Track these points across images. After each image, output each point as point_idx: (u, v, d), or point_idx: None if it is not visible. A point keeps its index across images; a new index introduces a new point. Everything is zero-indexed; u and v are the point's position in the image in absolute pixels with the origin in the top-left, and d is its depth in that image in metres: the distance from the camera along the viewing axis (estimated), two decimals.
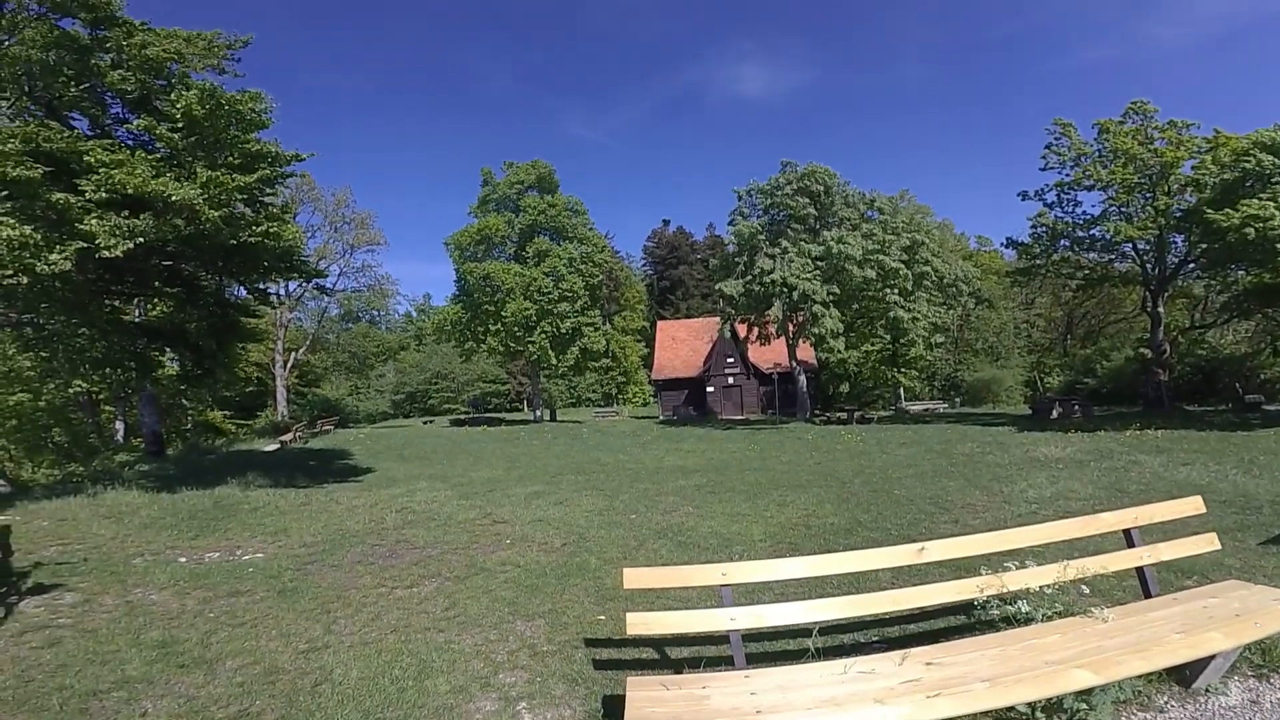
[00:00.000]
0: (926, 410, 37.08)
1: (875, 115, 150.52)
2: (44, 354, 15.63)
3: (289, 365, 42.65)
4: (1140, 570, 4.09)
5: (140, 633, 5.09)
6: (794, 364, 33.65)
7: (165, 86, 12.31)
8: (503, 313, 35.91)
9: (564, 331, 36.97)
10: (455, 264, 37.92)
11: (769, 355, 38.62)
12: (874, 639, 4.51)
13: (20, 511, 9.32)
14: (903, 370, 43.19)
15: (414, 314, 69.59)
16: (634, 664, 4.42)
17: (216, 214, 10.67)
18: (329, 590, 6.19)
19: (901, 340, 35.44)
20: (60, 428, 29.95)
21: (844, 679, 3.12)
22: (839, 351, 30.69)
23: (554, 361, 37.44)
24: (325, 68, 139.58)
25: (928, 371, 50.69)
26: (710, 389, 43.36)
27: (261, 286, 15.86)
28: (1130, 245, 26.17)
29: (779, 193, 31.32)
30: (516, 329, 36.06)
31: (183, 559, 7.36)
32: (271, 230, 12.32)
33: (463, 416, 44.47)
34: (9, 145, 9.54)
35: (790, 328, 32.22)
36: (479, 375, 57.47)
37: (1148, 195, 25.02)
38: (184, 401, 34.53)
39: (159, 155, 11.37)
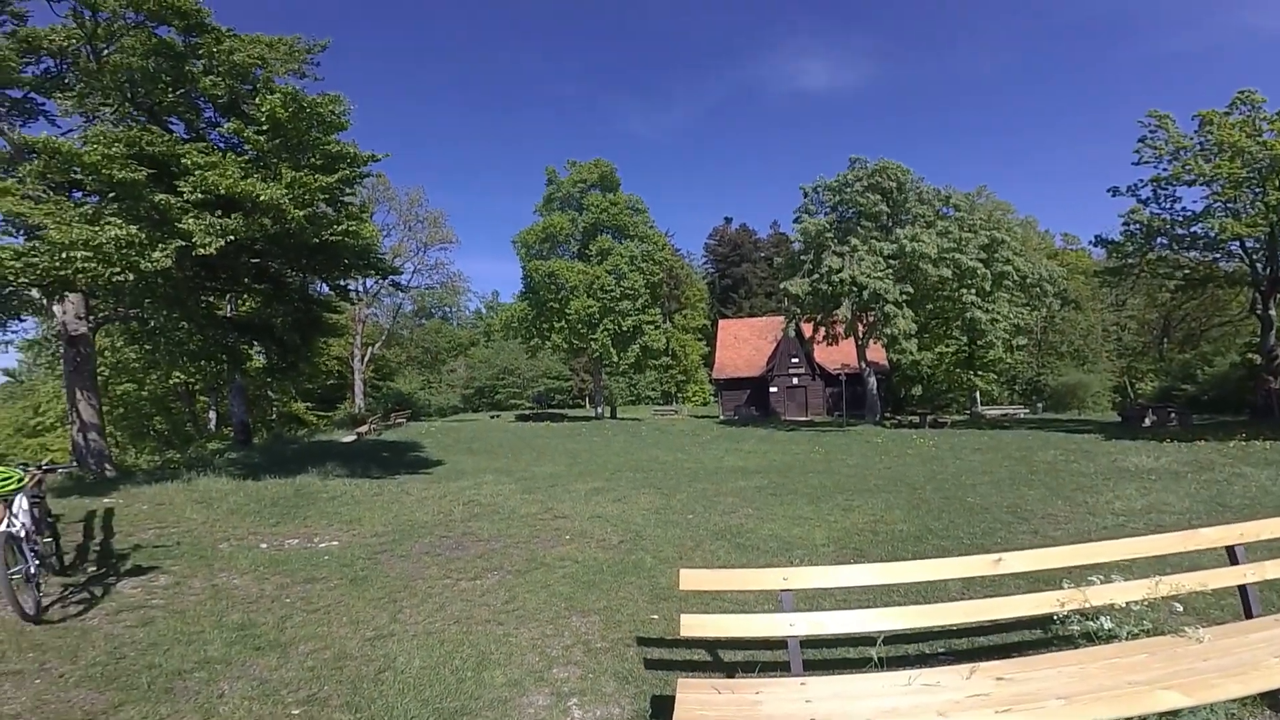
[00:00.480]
0: (1005, 415, 35.33)
1: (945, 108, 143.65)
2: (148, 346, 16.89)
3: (366, 359, 44.67)
4: (1243, 589, 3.75)
5: (223, 615, 5.36)
6: (863, 365, 32.73)
7: (251, 91, 12.86)
8: (566, 310, 36.51)
9: (625, 329, 37.24)
10: (522, 262, 38.80)
11: (836, 355, 37.71)
12: (940, 651, 4.32)
13: (123, 495, 9.96)
14: (979, 373, 41.28)
15: (483, 310, 71.46)
16: (685, 665, 4.39)
17: (301, 213, 11.11)
18: (397, 580, 6.40)
19: (979, 342, 33.87)
20: (161, 416, 32.45)
21: (906, 690, 2.99)
22: (911, 353, 29.75)
23: (615, 359, 37.78)
24: (391, 70, 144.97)
25: (1007, 375, 48.27)
26: (774, 389, 42.69)
27: (342, 283, 16.56)
28: (1237, 243, 24.15)
29: (848, 189, 30.57)
30: (580, 326, 36.60)
31: (264, 545, 7.72)
32: (351, 229, 12.78)
33: (527, 412, 45.42)
34: (115, 149, 10.22)
35: (860, 328, 31.44)
36: (543, 371, 58.54)
37: (1257, 190, 22.89)
38: (270, 393, 36.77)
39: (247, 157, 11.90)
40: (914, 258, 27.88)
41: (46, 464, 6.69)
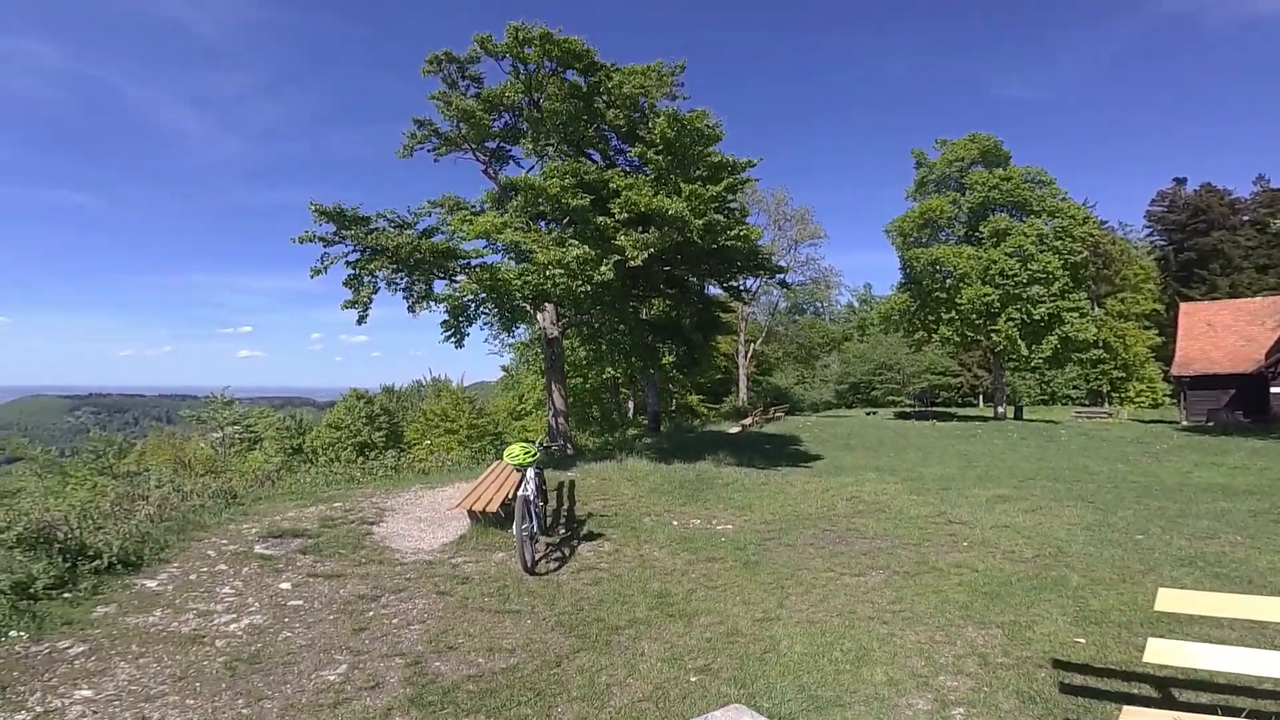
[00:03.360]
0: None
1: None
2: (593, 346, 21.03)
3: (748, 355, 47.83)
4: None
5: (647, 583, 6.30)
6: None
7: (641, 118, 14.60)
8: (957, 300, 32.93)
9: (1037, 318, 31.76)
10: (898, 250, 36.41)
11: None
12: None
13: (579, 471, 12.17)
14: None
15: (855, 304, 69.25)
16: (1119, 698, 3.67)
17: (699, 222, 12.37)
18: (784, 567, 6.73)
19: None
20: (596, 405, 40.14)
21: None
22: None
23: (1024, 352, 32.48)
24: (744, 74, 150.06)
25: None
26: (1277, 389, 31.07)
27: (733, 284, 18.01)
28: None
29: None
30: (974, 316, 32.60)
31: (674, 523, 8.81)
32: (741, 233, 13.78)
33: (908, 409, 42.41)
34: (566, 180, 12.85)
35: None
36: (927, 366, 53.85)
37: None
38: (670, 386, 42.26)
39: (650, 177, 13.56)
40: None
41: (543, 443, 8.68)
